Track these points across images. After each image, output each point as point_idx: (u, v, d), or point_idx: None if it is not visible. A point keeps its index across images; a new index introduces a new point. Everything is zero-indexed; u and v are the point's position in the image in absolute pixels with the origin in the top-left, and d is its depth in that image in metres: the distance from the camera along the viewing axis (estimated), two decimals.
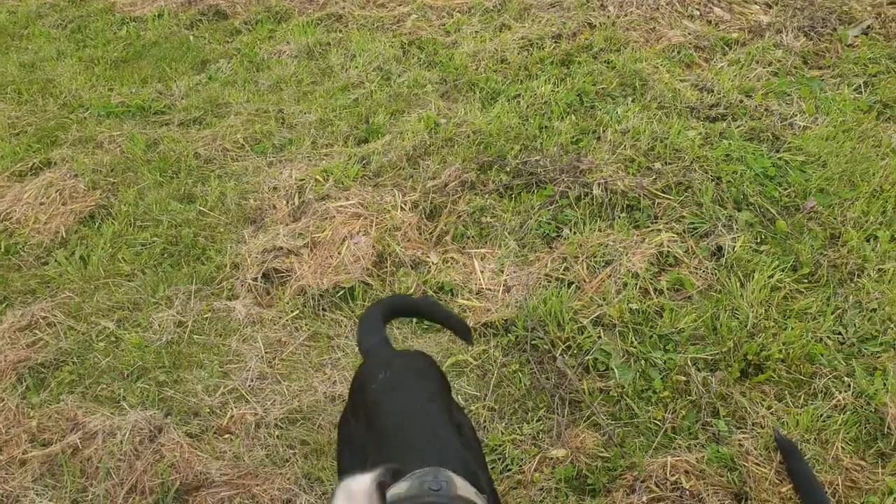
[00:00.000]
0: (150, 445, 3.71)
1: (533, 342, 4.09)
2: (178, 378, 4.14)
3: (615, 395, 3.80)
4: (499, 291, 4.37)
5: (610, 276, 4.32)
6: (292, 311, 4.49)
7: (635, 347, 3.96)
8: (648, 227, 4.63)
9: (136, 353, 4.29)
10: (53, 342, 4.37)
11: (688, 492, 3.32)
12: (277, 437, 3.79)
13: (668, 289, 4.28)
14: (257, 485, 3.56)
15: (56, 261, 4.99)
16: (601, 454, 3.54)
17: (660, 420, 3.65)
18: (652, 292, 4.26)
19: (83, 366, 4.24)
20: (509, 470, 3.55)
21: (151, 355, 4.27)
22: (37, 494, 3.55)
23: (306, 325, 4.41)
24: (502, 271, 4.48)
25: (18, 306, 4.67)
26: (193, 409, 3.94)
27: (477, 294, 4.41)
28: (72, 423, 3.85)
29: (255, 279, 4.65)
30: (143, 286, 4.73)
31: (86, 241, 5.14)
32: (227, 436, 3.83)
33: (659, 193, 4.79)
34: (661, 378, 3.80)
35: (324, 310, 4.48)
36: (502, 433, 3.71)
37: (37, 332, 4.45)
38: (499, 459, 3.60)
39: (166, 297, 4.64)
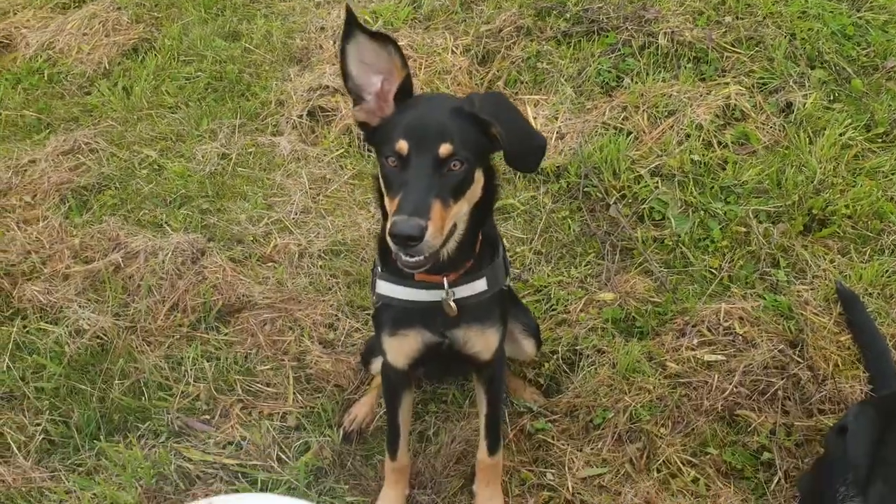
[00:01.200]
0: (192, 267, 3.67)
1: (585, 189, 3.93)
2: (222, 207, 4.07)
3: (670, 243, 3.66)
4: (552, 138, 4.19)
5: (672, 126, 4.11)
6: (337, 150, 4.36)
7: (695, 198, 3.79)
8: (715, 80, 4.38)
9: (178, 181, 4.21)
10: (96, 167, 4.31)
11: (741, 337, 3.21)
12: (320, 266, 3.73)
13: (732, 142, 4.07)
14: (300, 309, 3.51)
15: (99, 91, 4.89)
16: (651, 299, 3.43)
17: (716, 269, 3.52)
18: (715, 145, 4.06)
19: (125, 191, 4.18)
20: (554, 310, 3.46)
21: (195, 185, 4.19)
22: (80, 306, 3.55)
23: (351, 164, 4.29)
24: (556, 118, 4.29)
25: (61, 132, 4.60)
26: (237, 237, 3.88)
27: None
28: (114, 242, 3.82)
29: (301, 116, 4.52)
30: (186, 118, 4.62)
31: (129, 73, 5.01)
32: (269, 263, 3.78)
33: (728, 47, 4.52)
34: (720, 228, 3.65)
35: (369, 151, 4.34)
36: (548, 275, 3.61)
37: (79, 156, 4.38)
38: (544, 299, 3.51)
39: (210, 129, 4.53)
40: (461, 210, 2.12)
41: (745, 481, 2.85)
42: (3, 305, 3.62)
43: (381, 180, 2.16)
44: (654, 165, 3.95)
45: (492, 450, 2.70)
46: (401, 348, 2.45)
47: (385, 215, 2.17)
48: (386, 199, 2.12)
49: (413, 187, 1.98)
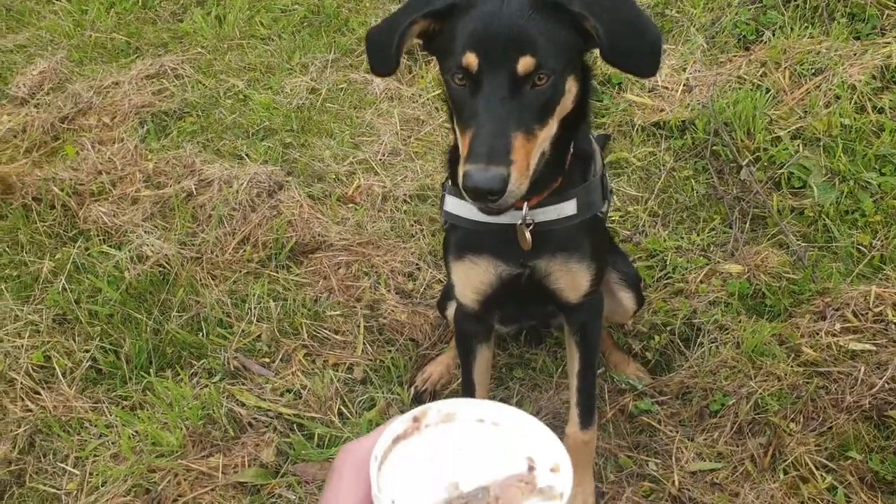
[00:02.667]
0: (267, 200, 3.35)
1: (714, 148, 3.43)
2: (306, 142, 3.74)
3: (811, 214, 3.13)
4: (677, 90, 3.70)
5: (818, 86, 3.56)
6: (434, 91, 3.98)
7: (843, 166, 3.24)
8: (873, 39, 3.79)
9: (263, 113, 3.91)
10: (179, 93, 4.05)
11: (893, 325, 2.67)
12: (404, 211, 3.35)
13: (891, 108, 3.49)
14: (378, 255, 3.15)
15: (192, 18, 4.65)
16: (786, 275, 2.92)
17: (865, 246, 2.98)
18: (870, 109, 3.49)
19: (207, 119, 3.90)
20: (670, 278, 2.99)
21: (280, 118, 3.88)
22: (145, 232, 3.27)
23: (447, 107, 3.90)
24: (684, 69, 3.79)
25: (149, 57, 4.36)
26: (318, 174, 3.54)
27: (650, 91, 3.76)
28: (189, 169, 3.54)
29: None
30: (277, 51, 4.32)
31: (223, 2, 4.75)
32: (350, 204, 3.42)
33: (890, 4, 3.92)
34: (873, 201, 3.10)
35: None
36: (665, 239, 3.13)
37: (163, 81, 4.13)
38: (658, 265, 3.04)
39: (301, 63, 4.22)
40: (550, 133, 1.70)
41: (895, 497, 2.33)
42: (67, 225, 3.39)
43: (448, 101, 1.74)
44: (795, 127, 3.42)
45: (584, 423, 2.24)
46: (469, 279, 2.02)
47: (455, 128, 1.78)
48: (455, 125, 1.73)
49: (487, 120, 1.57)
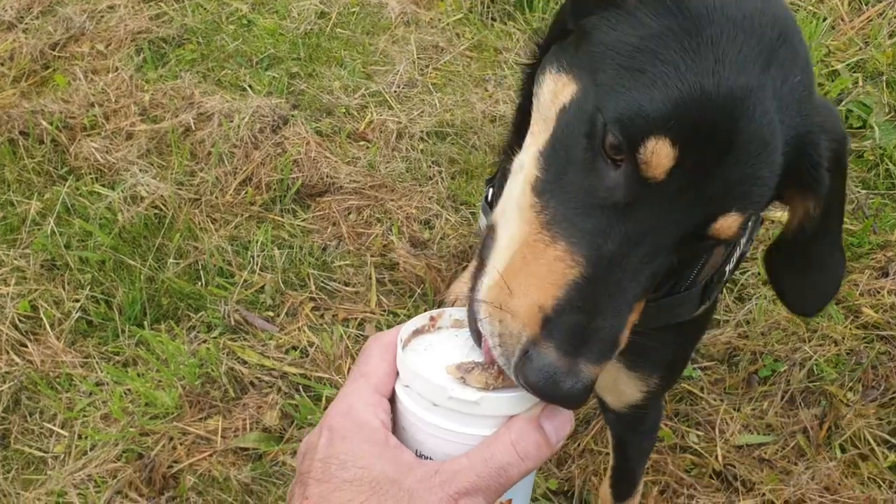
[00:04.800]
0: (271, 136, 3.07)
1: None
2: (314, 72, 3.44)
3: (871, 157, 2.83)
4: None
5: (881, 14, 3.22)
6: (454, 15, 3.64)
7: None
8: None
9: (268, 39, 3.59)
10: (178, 18, 3.73)
11: None
12: (421, 150, 3.07)
13: None
14: (392, 199, 2.88)
15: None
16: (844, 225, 2.63)
17: None
18: None
19: (208, 46, 3.59)
20: None
21: (286, 45, 3.56)
22: (140, 170, 3.01)
23: (470, 32, 3.57)
24: None
25: None
26: (326, 107, 3.25)
27: None
28: (187, 101, 3.25)
29: None
30: None
31: None
32: (362, 142, 3.14)
33: None
34: None
35: (493, 19, 3.61)
36: None
37: (161, 5, 3.80)
38: None
39: None
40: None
41: None
42: (57, 162, 3.13)
43: (549, 146, 1.00)
44: (855, 60, 3.09)
45: (619, 500, 1.96)
46: None
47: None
48: (527, 202, 1.00)
49: (610, 274, 0.92)
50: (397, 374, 0.93)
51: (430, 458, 0.88)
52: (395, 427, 0.91)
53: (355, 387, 0.90)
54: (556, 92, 1.01)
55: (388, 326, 2.53)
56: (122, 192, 2.93)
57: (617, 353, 0.93)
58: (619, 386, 1.47)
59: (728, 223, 0.92)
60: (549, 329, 0.89)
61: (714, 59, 0.89)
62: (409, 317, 2.54)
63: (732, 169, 0.89)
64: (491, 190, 1.47)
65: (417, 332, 0.99)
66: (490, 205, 1.44)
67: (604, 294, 0.90)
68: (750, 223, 1.02)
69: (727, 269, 1.35)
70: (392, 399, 0.92)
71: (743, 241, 1.38)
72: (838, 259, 1.15)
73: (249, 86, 3.37)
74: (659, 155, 0.88)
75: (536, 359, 0.87)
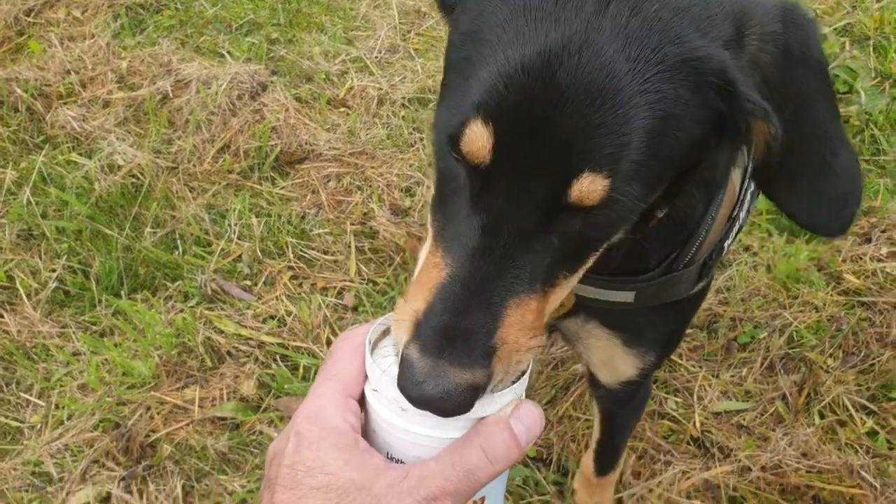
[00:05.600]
0: (250, 103, 3.03)
1: None
2: (294, 38, 3.38)
3: (857, 123, 2.80)
4: None
5: None
6: None
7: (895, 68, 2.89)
8: None
9: (248, 5, 3.54)
10: None
11: None
12: (402, 117, 3.03)
13: None
14: (373, 167, 2.85)
15: None
16: None
17: None
18: None
19: (187, 12, 3.53)
20: None
21: (265, 10, 3.51)
22: (117, 138, 2.97)
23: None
24: None
25: None
26: (306, 73, 3.20)
27: None
28: (165, 68, 3.20)
29: None
30: None
31: None
32: (342, 108, 3.10)
33: None
34: None
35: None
36: None
37: None
38: None
39: None
40: (587, 266, 1.00)
41: None
42: (33, 130, 3.08)
43: (435, 164, 0.99)
44: (842, 23, 3.04)
45: (601, 472, 1.94)
46: None
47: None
48: (428, 222, 1.01)
49: (470, 268, 0.88)
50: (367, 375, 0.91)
51: (401, 461, 0.86)
52: (366, 429, 0.90)
53: (323, 389, 0.89)
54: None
55: (368, 296, 2.51)
56: (99, 160, 2.89)
57: (497, 357, 0.87)
58: (615, 363, 1.43)
59: (586, 187, 0.83)
60: (417, 332, 0.87)
61: (525, 22, 0.83)
62: (389, 286, 2.52)
63: (562, 127, 0.81)
64: None
65: (388, 332, 0.94)
66: None
67: (468, 292, 0.87)
68: (641, 207, 0.91)
69: (726, 244, 1.30)
70: (362, 400, 0.90)
71: (742, 213, 1.31)
72: (845, 158, 1.00)
73: (228, 52, 3.32)
74: (472, 138, 0.84)
75: (404, 361, 0.86)
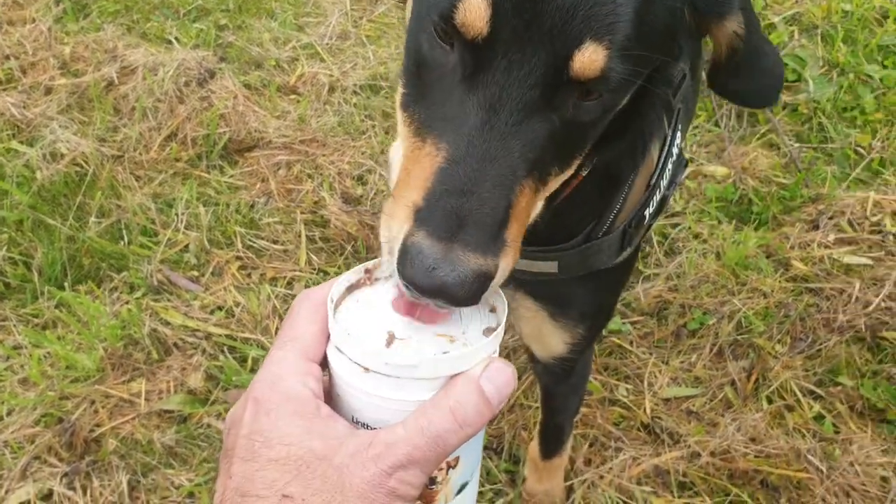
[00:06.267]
0: (197, 90, 2.96)
1: None
2: (243, 24, 3.32)
3: (805, 112, 2.83)
4: None
5: None
6: None
7: (842, 57, 2.92)
8: None
9: None
10: None
11: (892, 237, 2.42)
12: (354, 104, 2.99)
13: None
14: (324, 154, 2.81)
15: None
16: (777, 178, 2.64)
17: (864, 147, 2.70)
18: None
19: None
20: None
21: None
22: (60, 126, 2.88)
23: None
24: None
25: None
26: (255, 60, 3.14)
27: None
28: (110, 54, 3.12)
29: None
30: None
31: None
32: (292, 95, 3.05)
33: None
34: (874, 97, 2.79)
35: None
36: None
37: None
38: None
39: None
40: (571, 171, 1.02)
41: (886, 425, 2.13)
42: None
43: (405, 60, 0.99)
44: (791, 13, 3.06)
45: (547, 455, 1.93)
46: None
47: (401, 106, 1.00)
48: (402, 110, 0.97)
49: (478, 150, 0.84)
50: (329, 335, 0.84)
51: (367, 425, 0.81)
52: (329, 393, 0.84)
53: (282, 354, 0.83)
54: (407, 13, 1.00)
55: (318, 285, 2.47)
56: (41, 149, 2.81)
57: (507, 238, 0.84)
58: (544, 336, 1.43)
59: (589, 57, 0.83)
60: (419, 218, 0.83)
61: None
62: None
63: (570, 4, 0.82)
64: None
65: (352, 288, 0.88)
66: None
67: (473, 170, 0.83)
68: (625, 96, 0.95)
69: (646, 212, 1.30)
70: (325, 363, 0.84)
71: (663, 183, 1.33)
72: (770, 49, 1.07)
73: (176, 38, 3.24)
74: (468, 7, 0.83)
75: (410, 249, 0.81)
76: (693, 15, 0.95)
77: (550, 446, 1.90)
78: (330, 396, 0.84)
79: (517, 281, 1.31)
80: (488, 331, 0.84)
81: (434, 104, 0.90)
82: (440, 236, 0.80)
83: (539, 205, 0.99)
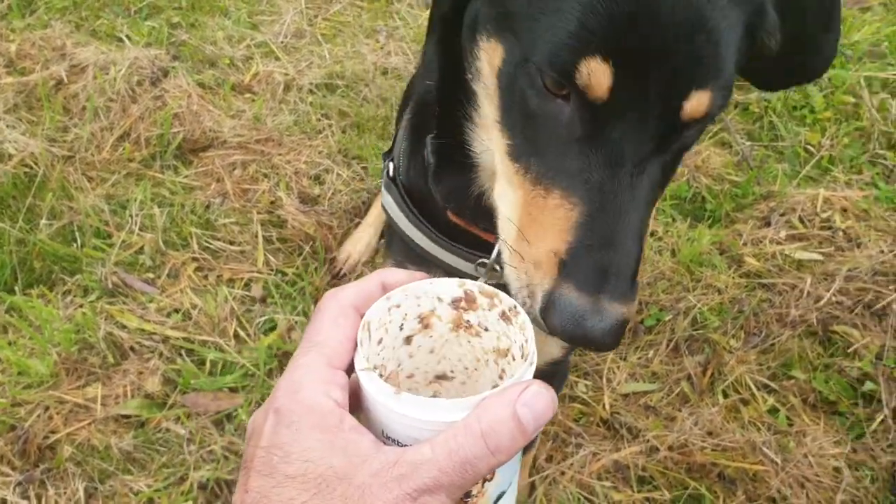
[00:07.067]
0: (150, 90, 2.91)
1: None
2: (196, 22, 3.27)
3: (756, 110, 2.88)
4: None
5: None
6: None
7: None
8: None
9: None
10: None
11: (843, 233, 2.48)
12: (310, 103, 2.97)
13: None
14: (279, 154, 2.78)
15: None
16: (729, 176, 2.68)
17: (814, 146, 2.76)
18: None
19: None
20: None
21: None
22: (7, 126, 2.81)
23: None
24: None
25: None
26: (209, 59, 3.10)
27: None
28: (58, 52, 3.05)
29: None
30: None
31: None
32: (247, 94, 3.02)
33: None
34: (823, 96, 2.86)
35: None
36: None
37: None
38: None
39: None
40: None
41: (838, 417, 2.18)
42: None
43: (509, 103, 0.99)
44: None
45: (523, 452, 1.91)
46: None
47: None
48: (510, 169, 1.00)
49: (611, 203, 0.90)
50: (356, 342, 0.81)
51: (398, 442, 0.78)
52: (358, 404, 0.80)
53: (305, 359, 0.79)
54: (490, 60, 0.99)
55: (276, 287, 2.46)
56: None
57: (637, 285, 0.90)
58: (544, 345, 1.42)
59: (697, 102, 0.90)
60: (566, 272, 0.88)
61: None
62: (299, 276, 2.47)
63: (673, 58, 0.87)
64: (391, 164, 1.39)
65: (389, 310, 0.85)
66: (393, 180, 1.35)
67: (609, 224, 0.89)
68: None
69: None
70: (351, 368, 0.81)
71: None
72: (829, 43, 1.11)
73: (127, 36, 3.19)
74: (596, 74, 0.87)
75: (559, 301, 0.86)
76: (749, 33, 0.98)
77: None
78: (357, 407, 0.80)
79: None
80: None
81: (553, 158, 0.93)
82: (588, 290, 0.86)
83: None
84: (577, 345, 0.89)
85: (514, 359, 0.85)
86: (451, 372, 0.92)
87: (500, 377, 0.87)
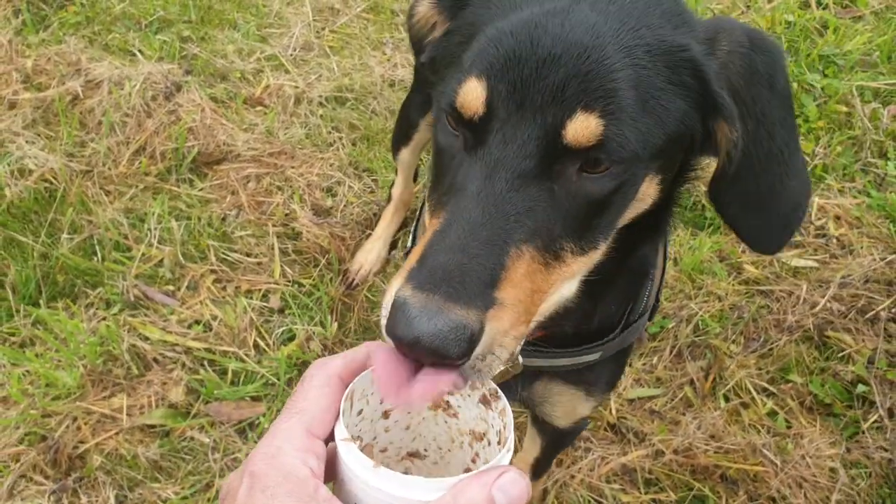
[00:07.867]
0: (164, 104, 2.99)
1: None
2: (206, 36, 3.35)
3: None
4: None
5: None
6: None
7: (788, 66, 3.07)
8: None
9: (157, 1, 3.47)
10: None
11: (836, 240, 2.58)
12: (320, 116, 3.05)
13: (835, 3, 3.32)
14: (292, 167, 2.87)
15: None
16: None
17: (808, 154, 2.85)
18: (814, 5, 3.31)
19: (93, 8, 3.45)
20: None
21: (176, 7, 3.45)
22: (27, 142, 2.89)
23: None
24: None
25: None
26: (221, 72, 3.18)
27: None
28: (74, 67, 3.12)
29: None
30: None
31: None
32: (259, 107, 3.10)
33: None
34: (816, 106, 2.95)
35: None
36: None
37: None
38: None
39: None
40: (592, 261, 1.04)
41: (833, 419, 2.29)
42: None
43: (434, 151, 1.06)
44: None
45: (537, 477, 2.03)
46: None
47: (432, 182, 1.08)
48: (428, 194, 1.07)
49: (473, 205, 0.90)
50: (339, 412, 0.81)
51: None
52: (333, 475, 0.81)
53: (286, 426, 0.79)
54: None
55: (294, 298, 2.55)
56: (9, 165, 2.81)
57: (497, 297, 0.85)
58: (577, 410, 1.49)
59: (581, 125, 0.89)
60: (410, 275, 0.86)
61: (511, 8, 0.97)
62: (315, 287, 2.56)
63: (552, 76, 0.90)
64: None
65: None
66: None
67: (464, 231, 0.87)
68: (640, 183, 0.98)
69: (657, 284, 1.41)
70: (330, 437, 0.81)
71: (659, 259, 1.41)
72: (793, 187, 1.04)
73: (139, 50, 3.26)
74: (466, 92, 0.93)
75: (395, 302, 0.83)
76: (696, 103, 0.97)
77: (541, 472, 2.01)
78: (333, 477, 0.81)
79: (550, 373, 1.37)
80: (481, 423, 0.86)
81: (445, 182, 0.97)
82: (423, 288, 0.82)
83: (566, 285, 1.01)
84: (410, 349, 0.80)
85: (489, 443, 0.85)
86: (425, 450, 0.93)
87: (473, 461, 0.88)
